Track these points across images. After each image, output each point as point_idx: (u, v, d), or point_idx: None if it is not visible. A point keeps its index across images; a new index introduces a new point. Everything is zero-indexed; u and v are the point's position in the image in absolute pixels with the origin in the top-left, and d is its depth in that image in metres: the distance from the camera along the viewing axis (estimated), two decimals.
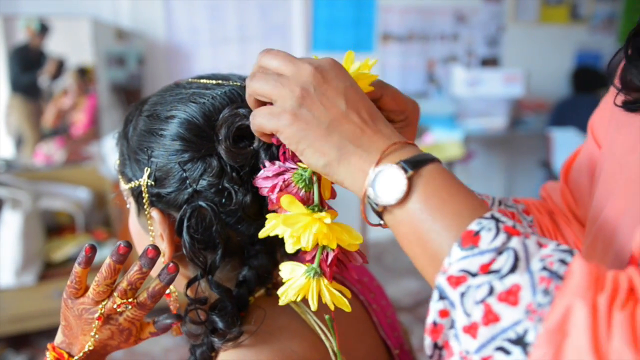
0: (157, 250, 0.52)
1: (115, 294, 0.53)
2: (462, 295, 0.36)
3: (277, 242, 0.58)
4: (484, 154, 3.66)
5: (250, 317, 0.57)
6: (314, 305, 0.47)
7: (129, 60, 2.68)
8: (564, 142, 2.82)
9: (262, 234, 0.48)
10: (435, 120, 3.14)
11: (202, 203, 0.53)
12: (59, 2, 2.51)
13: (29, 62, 2.49)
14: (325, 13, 3.09)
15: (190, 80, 0.59)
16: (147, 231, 0.58)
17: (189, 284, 0.56)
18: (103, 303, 0.54)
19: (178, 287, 0.60)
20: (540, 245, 0.36)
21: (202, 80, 0.58)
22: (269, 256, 0.58)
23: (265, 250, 0.57)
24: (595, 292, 0.32)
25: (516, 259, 0.35)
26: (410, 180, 0.40)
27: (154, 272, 0.55)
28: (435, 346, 0.39)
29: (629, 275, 0.34)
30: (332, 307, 0.47)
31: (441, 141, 2.91)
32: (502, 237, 0.36)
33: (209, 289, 0.57)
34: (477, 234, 0.36)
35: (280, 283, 0.63)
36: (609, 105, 0.55)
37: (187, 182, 0.53)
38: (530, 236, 0.37)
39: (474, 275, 0.36)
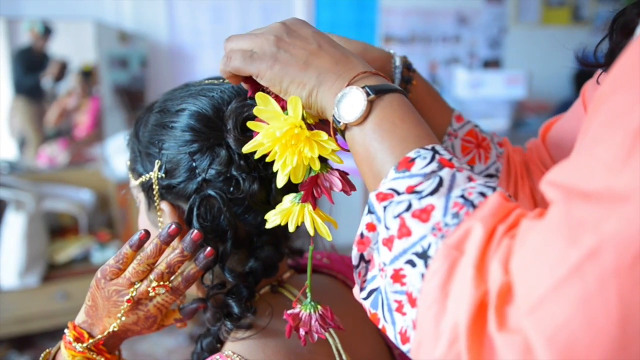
0: (202, 234, 0.53)
1: (151, 276, 0.54)
2: (385, 208, 0.39)
3: (282, 235, 0.60)
4: None
5: (258, 312, 0.58)
6: (291, 227, 0.49)
7: (132, 62, 2.69)
8: None
9: (246, 149, 0.49)
10: None
11: (211, 192, 0.54)
12: (62, 5, 2.52)
13: (32, 64, 2.50)
14: (327, 15, 3.10)
15: (199, 81, 0.61)
16: (157, 225, 0.59)
17: (204, 272, 0.57)
18: (135, 286, 0.54)
19: None
20: (470, 180, 0.38)
21: (210, 80, 0.60)
22: (275, 248, 0.59)
23: (271, 241, 0.58)
24: (498, 221, 0.35)
25: (439, 184, 0.38)
26: (371, 104, 0.43)
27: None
28: (362, 258, 0.42)
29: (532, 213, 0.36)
30: (311, 233, 0.49)
31: None
32: (434, 165, 0.39)
33: (218, 278, 0.58)
34: (412, 160, 0.40)
35: (285, 281, 0.64)
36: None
37: (197, 171, 0.54)
38: (464, 171, 0.39)
39: (399, 194, 0.38)
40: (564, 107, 3.72)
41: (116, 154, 2.46)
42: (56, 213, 2.50)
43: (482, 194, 0.36)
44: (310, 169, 0.49)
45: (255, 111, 0.48)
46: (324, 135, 0.47)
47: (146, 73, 2.73)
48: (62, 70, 2.53)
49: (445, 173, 0.38)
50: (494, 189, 0.37)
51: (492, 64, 3.55)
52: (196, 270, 0.54)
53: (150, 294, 0.54)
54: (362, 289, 0.42)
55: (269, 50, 0.47)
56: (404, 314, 0.37)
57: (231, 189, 0.54)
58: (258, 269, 0.58)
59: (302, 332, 0.51)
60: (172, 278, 0.55)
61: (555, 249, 0.29)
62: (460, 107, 3.18)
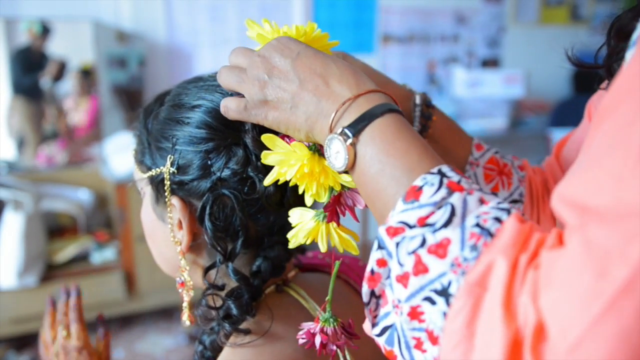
0: (103, 315, 0.70)
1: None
2: (397, 245, 0.37)
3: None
4: None
5: (259, 315, 0.57)
6: (323, 247, 0.49)
7: (130, 62, 2.69)
8: None
9: (266, 182, 0.50)
10: None
11: (225, 191, 0.54)
12: (60, 5, 2.52)
13: (30, 64, 2.50)
14: (325, 14, 3.10)
15: (212, 74, 0.59)
16: (165, 220, 0.58)
17: (208, 269, 0.57)
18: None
19: (192, 276, 0.60)
20: (482, 202, 0.37)
21: None
22: (284, 248, 0.58)
23: (281, 241, 0.58)
24: (519, 251, 0.33)
25: (452, 214, 0.36)
26: (353, 147, 0.43)
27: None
28: (373, 294, 0.40)
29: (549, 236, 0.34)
30: (341, 250, 0.50)
31: None
32: (443, 192, 0.38)
33: (223, 277, 0.58)
34: (420, 189, 0.38)
35: (290, 280, 0.63)
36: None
37: (212, 169, 0.54)
38: (474, 192, 0.38)
39: (411, 227, 0.37)
40: (562, 106, 3.73)
41: (115, 153, 2.46)
42: (55, 213, 2.50)
43: (498, 219, 0.35)
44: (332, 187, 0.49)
45: (262, 156, 0.49)
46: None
47: (144, 73, 2.73)
48: (61, 70, 2.53)
49: (456, 199, 0.37)
50: (508, 211, 0.36)
51: (490, 63, 3.56)
52: None
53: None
54: (374, 325, 0.41)
55: (257, 99, 0.48)
56: (424, 351, 0.36)
57: (246, 189, 0.53)
58: (267, 268, 0.57)
59: (333, 347, 0.50)
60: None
61: (585, 284, 0.29)
62: (459, 106, 3.18)
